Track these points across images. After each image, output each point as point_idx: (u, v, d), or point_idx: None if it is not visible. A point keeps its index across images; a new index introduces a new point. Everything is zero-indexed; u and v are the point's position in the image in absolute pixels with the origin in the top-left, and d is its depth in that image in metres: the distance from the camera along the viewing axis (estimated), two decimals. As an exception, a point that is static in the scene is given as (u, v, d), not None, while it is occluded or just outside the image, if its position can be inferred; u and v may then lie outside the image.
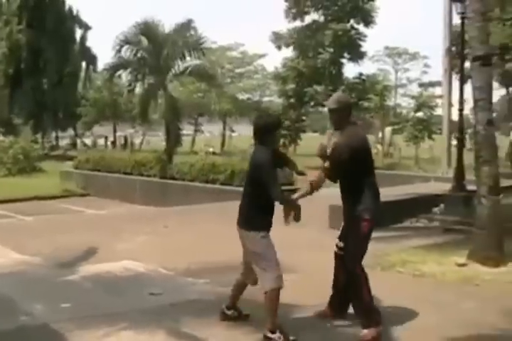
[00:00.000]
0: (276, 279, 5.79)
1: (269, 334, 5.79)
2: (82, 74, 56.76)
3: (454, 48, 25.67)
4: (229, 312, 6.43)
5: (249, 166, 5.99)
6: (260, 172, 5.75)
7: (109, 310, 6.93)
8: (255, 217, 5.88)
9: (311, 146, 5.90)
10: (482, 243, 9.00)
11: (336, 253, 6.49)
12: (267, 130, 5.94)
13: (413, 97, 42.26)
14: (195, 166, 24.03)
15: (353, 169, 6.04)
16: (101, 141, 60.95)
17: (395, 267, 7.78)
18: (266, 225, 5.89)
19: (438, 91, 48.40)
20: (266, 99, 60.76)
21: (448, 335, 6.07)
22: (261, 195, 5.79)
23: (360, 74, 39.89)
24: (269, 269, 5.79)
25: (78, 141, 63.51)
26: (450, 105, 25.71)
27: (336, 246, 6.47)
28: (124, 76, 30.69)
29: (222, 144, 56.22)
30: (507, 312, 6.81)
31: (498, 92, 37.36)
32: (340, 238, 6.43)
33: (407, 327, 6.35)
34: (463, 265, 8.69)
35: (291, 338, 5.81)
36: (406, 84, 78.67)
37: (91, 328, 6.29)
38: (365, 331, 6.01)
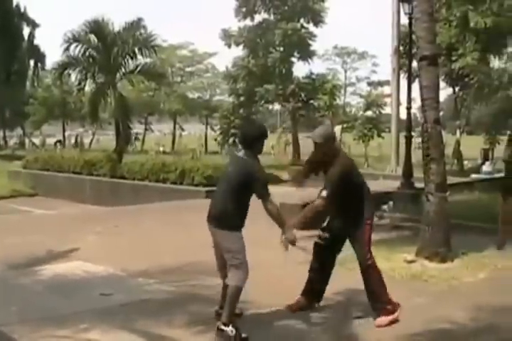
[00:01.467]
0: (244, 279, 5.98)
1: (223, 327, 5.88)
2: (31, 72, 55.96)
3: (402, 48, 26.05)
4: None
5: (235, 170, 6.14)
6: (253, 180, 6.00)
7: (60, 312, 6.87)
8: (234, 218, 6.05)
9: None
10: (430, 239, 9.17)
11: (315, 243, 6.83)
12: (257, 137, 6.16)
13: (362, 96, 42.63)
14: (145, 165, 23.92)
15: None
16: (50, 141, 59.97)
17: (345, 264, 7.86)
18: (241, 226, 6.12)
19: (387, 90, 48.96)
20: (216, 97, 60.67)
21: (405, 331, 6.17)
22: (242, 199, 6.04)
23: (311, 73, 40.08)
24: (241, 268, 5.98)
25: (27, 141, 62.56)
26: (398, 104, 26.09)
27: (319, 236, 6.82)
28: (73, 75, 30.34)
29: (173, 143, 56.00)
30: (458, 307, 6.97)
31: (445, 92, 37.82)
32: (323, 229, 6.80)
33: (363, 323, 6.44)
34: (411, 261, 8.84)
35: (244, 335, 5.88)
36: (355, 83, 79.37)
37: (42, 330, 6.23)
38: (383, 317, 6.42)
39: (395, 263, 8.75)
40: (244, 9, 38.91)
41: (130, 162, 25.42)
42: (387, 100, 34.67)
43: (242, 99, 39.62)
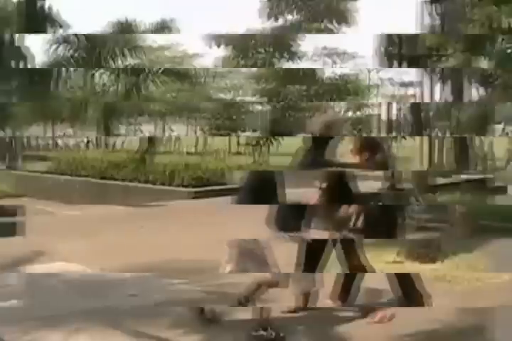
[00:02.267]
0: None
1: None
2: None
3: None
4: None
5: None
6: None
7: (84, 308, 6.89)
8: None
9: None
10: (418, 240, 9.04)
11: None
12: None
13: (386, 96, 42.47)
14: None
15: None
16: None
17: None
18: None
19: (411, 91, 48.74)
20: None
21: (416, 330, 6.17)
22: None
23: (336, 74, 39.83)
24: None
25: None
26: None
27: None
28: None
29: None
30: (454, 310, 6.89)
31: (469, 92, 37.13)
32: None
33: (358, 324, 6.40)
34: (398, 262, 8.87)
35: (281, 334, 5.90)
36: (379, 85, 78.47)
37: (33, 332, 6.22)
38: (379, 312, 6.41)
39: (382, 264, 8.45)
40: (269, 10, 38.95)
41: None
42: (412, 101, 34.65)
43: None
